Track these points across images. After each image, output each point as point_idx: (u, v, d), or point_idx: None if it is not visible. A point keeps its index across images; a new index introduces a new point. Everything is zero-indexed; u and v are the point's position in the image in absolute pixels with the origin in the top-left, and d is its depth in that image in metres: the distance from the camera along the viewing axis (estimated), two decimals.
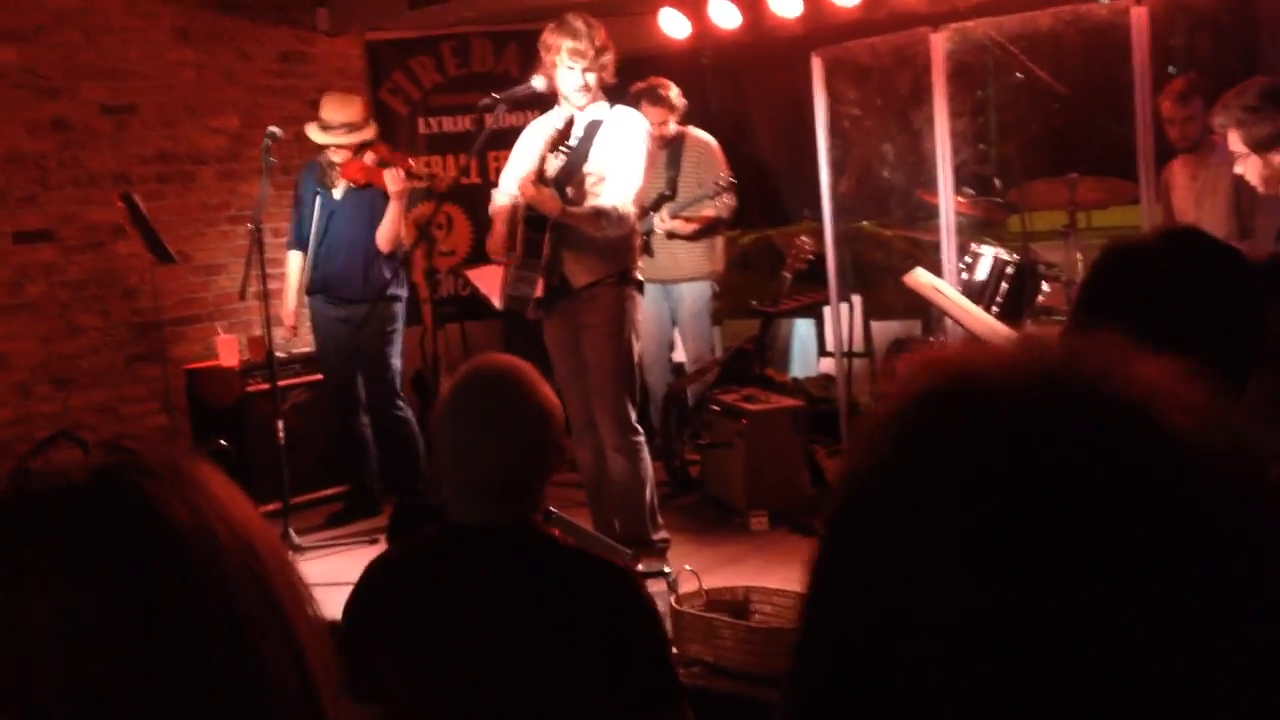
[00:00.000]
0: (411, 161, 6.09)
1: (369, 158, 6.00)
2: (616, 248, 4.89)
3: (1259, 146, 3.70)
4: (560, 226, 4.77)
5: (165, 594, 0.90)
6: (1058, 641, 0.61)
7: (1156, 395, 0.65)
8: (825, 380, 7.34)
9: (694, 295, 6.57)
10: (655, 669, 2.20)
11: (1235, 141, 3.75)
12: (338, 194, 6.10)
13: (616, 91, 5.16)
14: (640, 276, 5.06)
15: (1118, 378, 0.66)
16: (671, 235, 6.37)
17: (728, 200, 6.35)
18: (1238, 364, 1.68)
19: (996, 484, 0.63)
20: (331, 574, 5.23)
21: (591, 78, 4.80)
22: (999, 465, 0.63)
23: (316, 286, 6.18)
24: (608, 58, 4.81)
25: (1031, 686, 0.61)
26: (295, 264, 6.28)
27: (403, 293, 6.25)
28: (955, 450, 0.65)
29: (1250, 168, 3.78)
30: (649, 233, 6.34)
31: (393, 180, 5.87)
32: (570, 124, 4.84)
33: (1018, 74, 5.54)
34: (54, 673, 0.86)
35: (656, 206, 6.36)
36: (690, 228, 6.39)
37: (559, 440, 2.38)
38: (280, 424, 5.70)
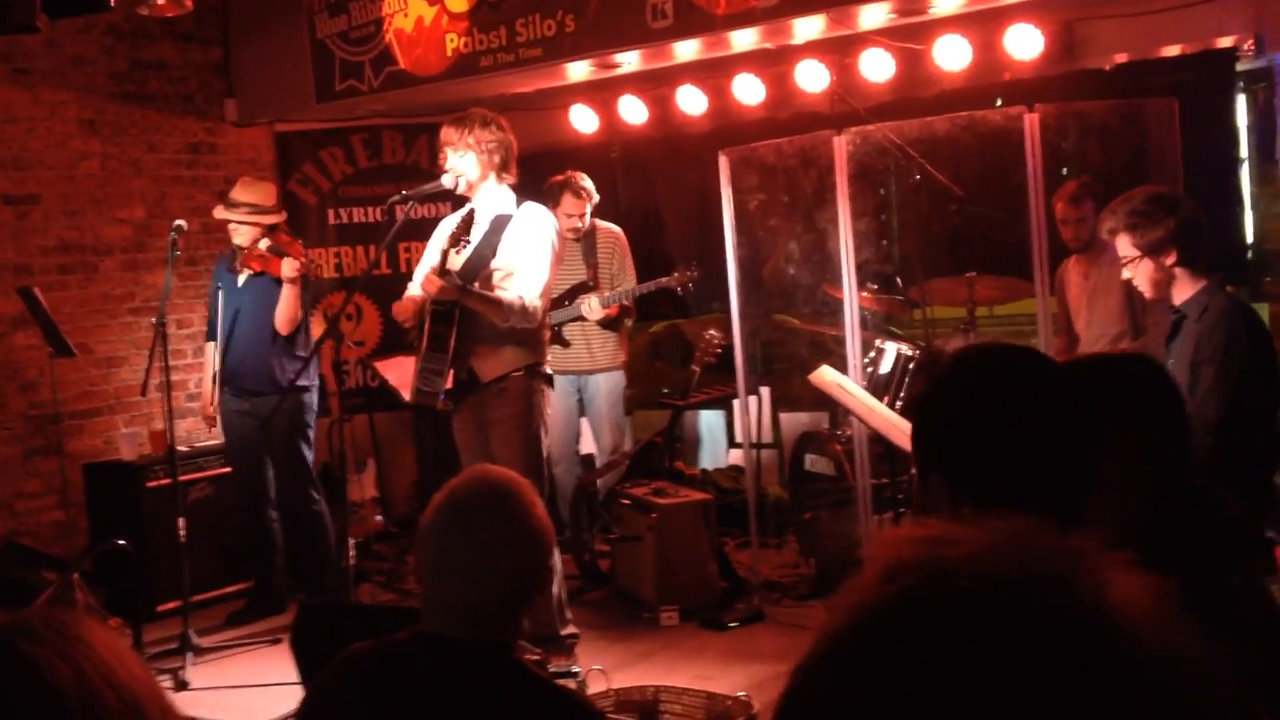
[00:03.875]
0: (300, 247, 6.05)
1: (264, 244, 5.98)
2: (525, 341, 4.91)
3: (1150, 249, 3.75)
4: (467, 320, 4.78)
5: None
6: None
7: (1126, 608, 0.68)
8: (734, 471, 7.39)
9: (610, 385, 6.61)
10: None
11: (1125, 246, 3.80)
12: (241, 281, 6.05)
13: (533, 184, 5.19)
14: (549, 370, 5.08)
15: (1089, 589, 0.68)
16: (604, 322, 6.42)
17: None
18: (1057, 484, 1.64)
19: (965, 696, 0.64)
20: (231, 677, 5.12)
21: (467, 165, 4.85)
22: (969, 676, 0.65)
23: (224, 379, 6.10)
24: (489, 145, 4.85)
25: None
26: (211, 355, 6.19)
27: (313, 383, 6.19)
28: (923, 665, 0.66)
29: (1141, 272, 3.81)
30: (562, 324, 6.39)
31: (288, 268, 5.86)
32: (470, 219, 4.87)
33: (917, 176, 5.68)
34: None
35: (573, 297, 6.41)
36: (615, 311, 6.45)
37: (547, 566, 2.27)
38: (181, 520, 5.57)
